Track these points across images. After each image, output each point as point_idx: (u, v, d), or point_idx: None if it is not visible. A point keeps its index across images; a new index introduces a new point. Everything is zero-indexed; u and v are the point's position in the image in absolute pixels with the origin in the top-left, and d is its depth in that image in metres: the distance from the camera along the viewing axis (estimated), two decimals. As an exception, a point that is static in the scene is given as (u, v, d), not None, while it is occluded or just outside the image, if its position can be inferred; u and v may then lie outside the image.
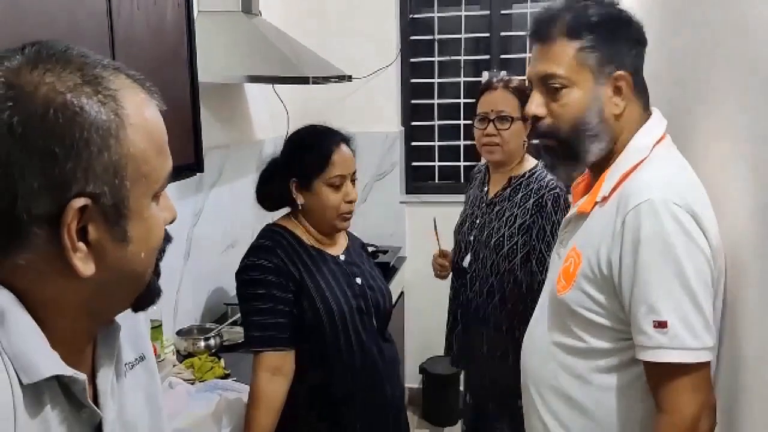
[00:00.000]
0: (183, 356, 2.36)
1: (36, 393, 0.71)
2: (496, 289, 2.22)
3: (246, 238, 2.94)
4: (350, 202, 1.81)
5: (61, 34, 1.35)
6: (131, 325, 0.89)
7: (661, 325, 1.20)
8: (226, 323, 2.54)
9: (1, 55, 0.71)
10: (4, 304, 0.71)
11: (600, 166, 1.38)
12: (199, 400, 1.98)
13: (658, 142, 1.34)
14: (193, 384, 2.12)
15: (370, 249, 3.31)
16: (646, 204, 1.22)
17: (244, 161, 3.02)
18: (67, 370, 0.73)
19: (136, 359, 0.89)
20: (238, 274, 1.79)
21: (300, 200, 1.81)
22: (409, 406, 3.85)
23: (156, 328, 2.19)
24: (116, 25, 1.52)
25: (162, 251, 0.80)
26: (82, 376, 0.75)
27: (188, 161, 1.88)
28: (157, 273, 0.81)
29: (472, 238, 2.30)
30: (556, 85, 1.33)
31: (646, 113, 1.38)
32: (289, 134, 1.95)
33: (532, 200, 2.18)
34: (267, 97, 3.19)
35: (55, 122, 0.67)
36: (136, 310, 0.83)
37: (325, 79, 2.70)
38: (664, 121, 1.38)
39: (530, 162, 2.30)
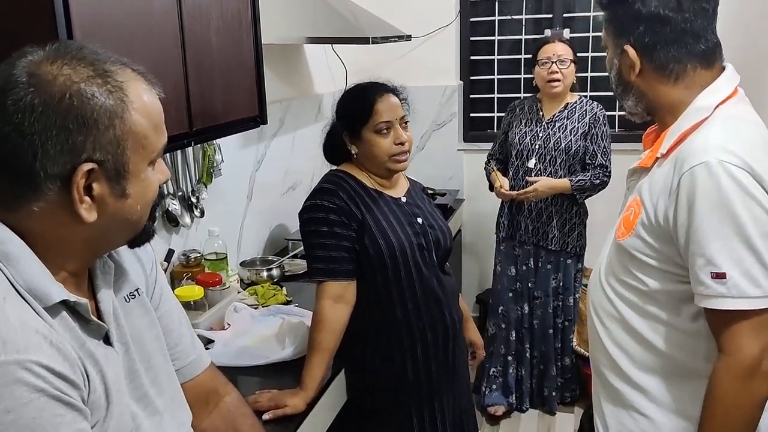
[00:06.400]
0: (246, 284, 2.58)
1: (55, 313, 0.90)
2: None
3: (306, 182, 3.26)
4: (401, 143, 1.90)
5: (136, 12, 1.51)
6: (132, 265, 1.11)
7: (719, 276, 1.21)
8: (288, 256, 2.78)
9: (26, 50, 0.89)
10: (16, 249, 0.89)
11: (663, 123, 1.41)
12: (263, 323, 2.15)
13: (725, 100, 1.33)
14: (256, 309, 2.28)
15: (429, 192, 3.54)
16: (701, 166, 1.23)
17: (304, 113, 3.25)
18: (71, 296, 0.92)
19: (131, 293, 1.09)
20: (302, 214, 1.90)
21: (354, 150, 1.93)
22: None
23: (222, 259, 2.41)
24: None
25: (157, 203, 1.01)
26: (84, 300, 0.94)
27: (252, 114, 2.11)
28: (152, 218, 1.02)
29: (537, 146, 3.12)
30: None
31: (703, 74, 1.35)
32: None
33: (588, 117, 3.09)
34: (326, 54, 3.39)
35: (71, 105, 0.86)
36: (131, 246, 1.05)
37: (385, 39, 2.80)
38: (737, 77, 1.36)
39: (574, 95, 3.16)
